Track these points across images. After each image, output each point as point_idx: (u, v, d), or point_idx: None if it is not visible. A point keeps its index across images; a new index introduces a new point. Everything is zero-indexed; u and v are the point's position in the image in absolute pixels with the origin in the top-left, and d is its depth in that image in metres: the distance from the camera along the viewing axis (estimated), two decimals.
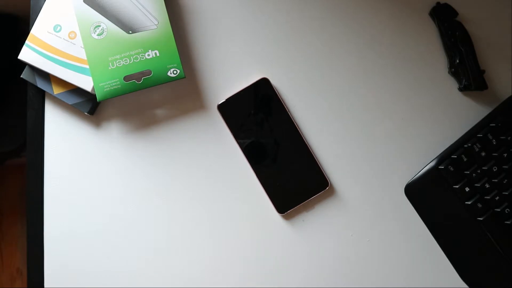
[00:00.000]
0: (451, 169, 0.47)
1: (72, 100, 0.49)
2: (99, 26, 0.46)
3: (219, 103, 0.49)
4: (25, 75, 0.49)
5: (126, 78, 0.46)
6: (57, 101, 0.51)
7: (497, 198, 0.46)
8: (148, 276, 0.49)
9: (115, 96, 0.46)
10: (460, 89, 0.50)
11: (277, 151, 0.48)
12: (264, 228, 0.49)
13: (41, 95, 0.51)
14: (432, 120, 0.50)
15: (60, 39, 0.47)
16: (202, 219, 0.50)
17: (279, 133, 0.49)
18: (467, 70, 0.49)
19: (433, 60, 0.50)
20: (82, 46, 0.47)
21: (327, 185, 0.48)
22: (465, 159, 0.47)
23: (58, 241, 0.50)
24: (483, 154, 0.47)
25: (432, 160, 0.48)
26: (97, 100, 0.46)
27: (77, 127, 0.51)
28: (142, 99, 0.51)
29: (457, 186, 0.47)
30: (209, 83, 0.51)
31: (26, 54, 0.47)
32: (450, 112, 0.50)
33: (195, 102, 0.50)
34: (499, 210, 0.46)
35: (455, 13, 0.50)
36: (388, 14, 0.51)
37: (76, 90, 0.48)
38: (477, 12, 0.50)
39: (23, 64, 0.49)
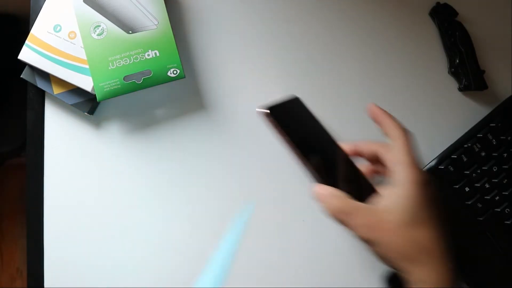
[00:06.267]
0: (451, 169, 0.47)
1: (72, 100, 0.49)
2: (99, 26, 0.46)
3: (269, 106, 0.38)
4: (25, 75, 0.49)
5: (126, 78, 0.46)
6: (57, 101, 0.51)
7: (497, 198, 0.46)
8: (149, 275, 0.49)
9: (115, 96, 0.46)
10: (460, 89, 0.50)
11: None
12: (264, 227, 0.49)
13: (41, 95, 0.51)
14: (432, 120, 0.50)
15: (60, 39, 0.47)
16: (202, 219, 0.49)
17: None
18: (467, 70, 0.49)
19: (433, 60, 0.50)
20: (82, 46, 0.47)
21: None
22: (465, 159, 0.47)
23: (58, 241, 0.50)
24: (483, 154, 0.47)
25: (432, 160, 0.48)
26: (97, 100, 0.46)
27: (77, 127, 0.51)
28: (142, 99, 0.51)
29: (457, 186, 0.47)
30: (209, 83, 0.51)
31: (26, 54, 0.47)
32: (450, 112, 0.50)
33: (195, 102, 0.50)
34: (499, 210, 0.46)
35: (455, 13, 0.50)
36: (388, 14, 0.51)
37: (76, 90, 0.48)
38: (477, 12, 0.50)
39: (23, 64, 0.49)
